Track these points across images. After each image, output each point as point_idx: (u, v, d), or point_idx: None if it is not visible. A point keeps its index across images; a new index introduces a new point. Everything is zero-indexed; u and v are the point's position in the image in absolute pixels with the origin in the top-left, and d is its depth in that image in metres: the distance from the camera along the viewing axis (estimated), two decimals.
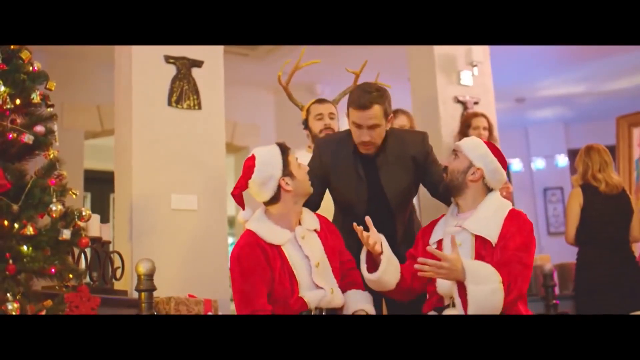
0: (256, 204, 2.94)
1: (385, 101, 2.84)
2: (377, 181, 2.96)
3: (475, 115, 4.76)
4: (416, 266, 2.55)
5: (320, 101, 3.86)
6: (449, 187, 2.82)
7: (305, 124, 3.83)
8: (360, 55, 4.21)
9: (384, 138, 2.94)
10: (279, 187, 2.70)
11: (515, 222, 2.70)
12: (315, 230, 2.80)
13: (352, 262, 2.89)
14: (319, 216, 2.89)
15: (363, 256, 2.78)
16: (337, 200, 3.10)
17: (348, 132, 2.98)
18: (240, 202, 2.80)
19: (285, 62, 4.13)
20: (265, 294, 2.63)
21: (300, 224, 2.78)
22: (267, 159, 2.73)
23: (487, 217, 2.71)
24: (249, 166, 2.74)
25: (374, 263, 2.75)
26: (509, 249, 2.63)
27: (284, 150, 2.76)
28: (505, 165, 2.81)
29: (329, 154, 3.00)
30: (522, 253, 2.63)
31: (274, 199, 2.73)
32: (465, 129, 4.66)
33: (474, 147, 2.81)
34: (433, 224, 2.89)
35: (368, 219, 2.72)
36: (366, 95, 2.80)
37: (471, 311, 2.50)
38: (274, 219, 2.74)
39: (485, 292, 2.50)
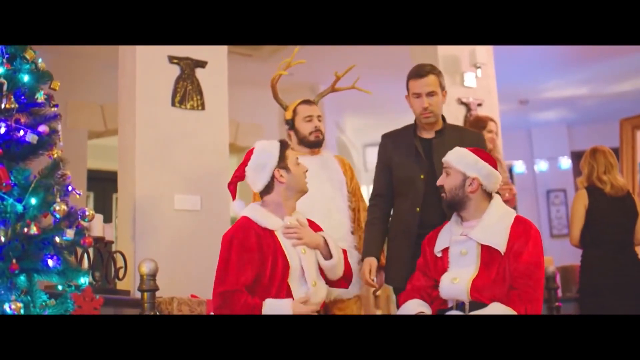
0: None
1: (440, 74, 3.18)
2: (432, 162, 3.10)
3: (491, 119, 4.76)
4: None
5: (308, 102, 3.72)
6: (450, 204, 2.81)
7: (291, 124, 3.64)
8: (364, 55, 4.22)
9: (443, 127, 3.20)
10: (273, 177, 2.76)
11: (522, 230, 2.71)
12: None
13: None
14: (309, 220, 2.90)
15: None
16: (398, 182, 3.21)
17: (407, 125, 3.29)
18: (232, 190, 2.86)
19: (284, 61, 4.11)
20: (249, 275, 2.64)
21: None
22: (265, 148, 2.81)
23: (493, 224, 2.72)
24: (248, 155, 2.83)
25: None
26: (520, 264, 2.64)
27: (284, 144, 2.84)
28: (495, 166, 2.81)
29: (390, 142, 3.28)
30: (534, 270, 2.65)
31: (268, 189, 2.78)
32: (480, 131, 4.66)
33: (461, 158, 2.80)
34: (437, 231, 2.88)
35: None
36: (423, 67, 3.19)
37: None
38: (268, 208, 2.79)
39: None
